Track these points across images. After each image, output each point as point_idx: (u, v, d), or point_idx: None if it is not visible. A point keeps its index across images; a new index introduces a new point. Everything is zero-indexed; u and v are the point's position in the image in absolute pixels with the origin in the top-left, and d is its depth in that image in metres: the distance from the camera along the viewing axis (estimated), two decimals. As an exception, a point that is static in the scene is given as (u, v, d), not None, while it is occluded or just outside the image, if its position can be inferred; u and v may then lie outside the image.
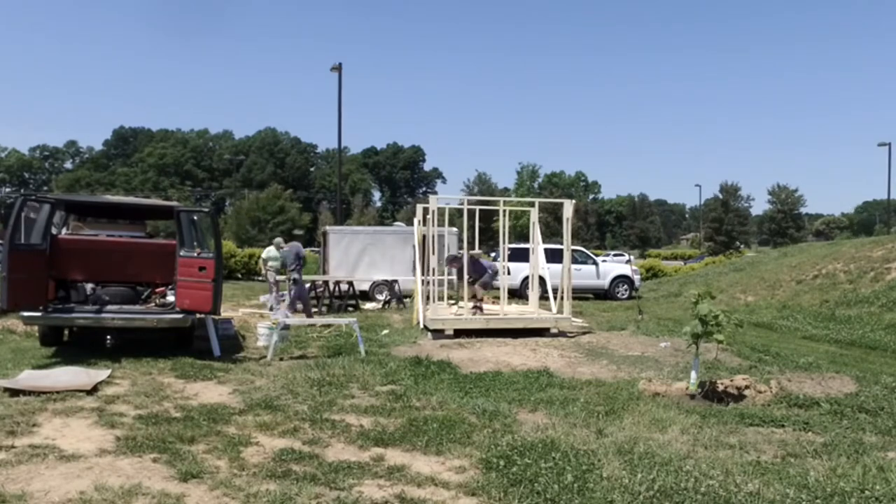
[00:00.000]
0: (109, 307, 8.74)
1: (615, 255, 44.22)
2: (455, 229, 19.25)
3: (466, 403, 6.34)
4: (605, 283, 21.16)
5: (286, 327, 10.03)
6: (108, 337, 9.29)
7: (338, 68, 27.10)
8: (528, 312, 12.53)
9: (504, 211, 12.97)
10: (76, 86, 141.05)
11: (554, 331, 11.53)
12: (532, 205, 13.77)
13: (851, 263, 17.17)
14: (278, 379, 7.33)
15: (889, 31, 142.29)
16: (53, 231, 9.11)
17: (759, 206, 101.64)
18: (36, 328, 9.21)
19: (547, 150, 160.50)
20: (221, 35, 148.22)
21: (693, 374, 6.91)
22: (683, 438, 5.27)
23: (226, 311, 12.29)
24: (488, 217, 34.86)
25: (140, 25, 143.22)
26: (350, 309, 15.72)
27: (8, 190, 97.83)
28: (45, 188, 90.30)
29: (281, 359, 8.76)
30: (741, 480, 4.23)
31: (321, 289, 16.04)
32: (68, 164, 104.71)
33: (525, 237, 35.88)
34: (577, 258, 20.00)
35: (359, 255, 19.16)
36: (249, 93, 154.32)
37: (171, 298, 9.04)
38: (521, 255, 18.28)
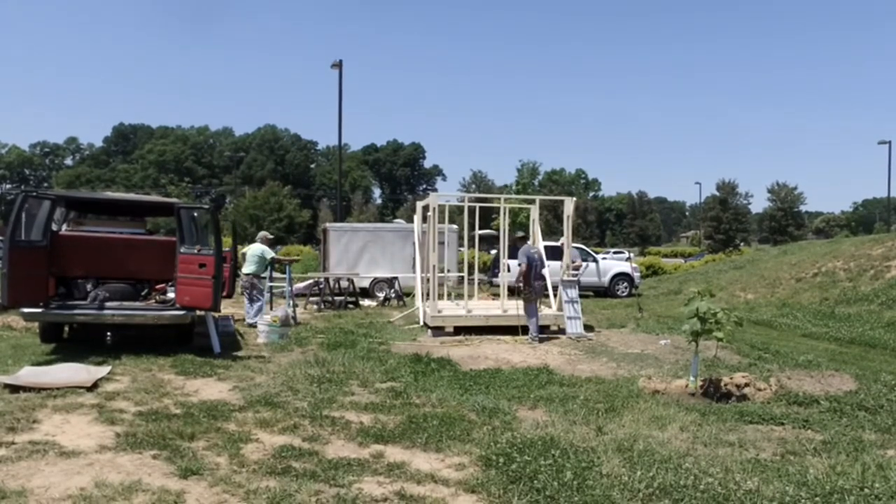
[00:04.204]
0: (110, 304, 8.74)
1: (615, 253, 44.22)
2: (455, 226, 19.27)
3: (466, 401, 6.35)
4: (605, 280, 21.17)
5: (286, 324, 10.02)
6: (108, 333, 9.27)
7: (338, 65, 27.09)
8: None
9: (504, 208, 12.95)
10: (76, 83, 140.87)
11: (553, 328, 11.54)
12: (532, 202, 13.75)
13: (851, 261, 17.16)
14: (278, 376, 7.34)
15: (889, 29, 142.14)
16: (54, 227, 9.11)
17: (760, 203, 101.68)
18: (36, 325, 9.22)
19: (547, 147, 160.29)
20: (221, 32, 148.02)
21: (693, 372, 6.92)
22: (683, 436, 5.27)
23: (226, 309, 12.28)
24: (488, 215, 34.86)
25: (140, 23, 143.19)
26: (350, 306, 15.72)
27: (8, 186, 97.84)
28: (46, 185, 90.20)
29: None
30: (740, 478, 4.23)
31: (322, 286, 16.04)
32: (69, 161, 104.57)
33: (525, 234, 35.79)
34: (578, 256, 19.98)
35: (359, 252, 19.16)
36: (249, 90, 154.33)
37: (171, 295, 9.05)
38: None
